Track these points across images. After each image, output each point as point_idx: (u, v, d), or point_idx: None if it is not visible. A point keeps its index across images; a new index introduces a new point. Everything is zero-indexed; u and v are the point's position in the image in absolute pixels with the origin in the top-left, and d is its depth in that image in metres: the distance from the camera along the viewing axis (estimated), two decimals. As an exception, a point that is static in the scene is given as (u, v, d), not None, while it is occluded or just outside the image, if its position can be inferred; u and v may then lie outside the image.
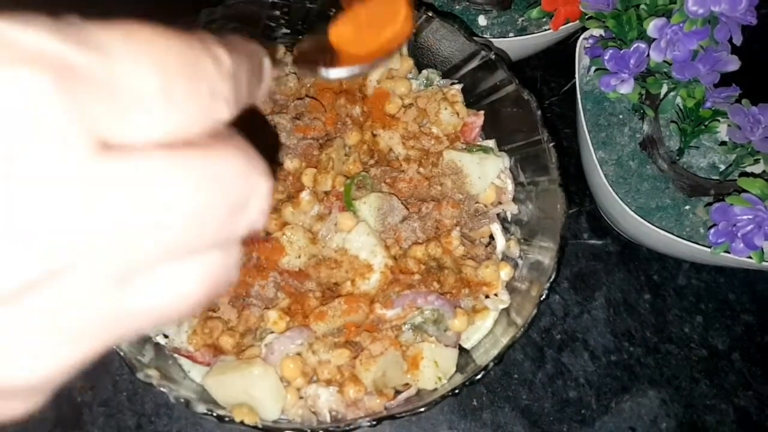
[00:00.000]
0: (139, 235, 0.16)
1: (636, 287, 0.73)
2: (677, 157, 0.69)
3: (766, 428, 0.69)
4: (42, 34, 0.15)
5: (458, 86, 0.68)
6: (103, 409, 0.63)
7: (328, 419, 0.55)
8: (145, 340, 0.58)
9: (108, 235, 0.16)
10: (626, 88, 0.65)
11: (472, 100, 0.69)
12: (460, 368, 0.58)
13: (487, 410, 0.66)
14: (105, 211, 0.15)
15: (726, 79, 0.64)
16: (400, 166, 0.65)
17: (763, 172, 0.65)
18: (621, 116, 0.71)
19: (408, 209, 0.62)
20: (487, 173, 0.65)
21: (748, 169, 0.67)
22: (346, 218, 0.60)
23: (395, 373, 0.57)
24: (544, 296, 0.56)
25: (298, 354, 0.56)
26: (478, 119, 0.67)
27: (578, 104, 0.68)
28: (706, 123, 0.66)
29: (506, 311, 0.61)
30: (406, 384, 0.58)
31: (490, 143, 0.68)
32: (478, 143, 0.68)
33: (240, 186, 0.18)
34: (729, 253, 0.60)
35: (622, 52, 0.64)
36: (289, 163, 0.62)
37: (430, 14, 0.66)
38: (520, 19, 0.75)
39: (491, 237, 0.65)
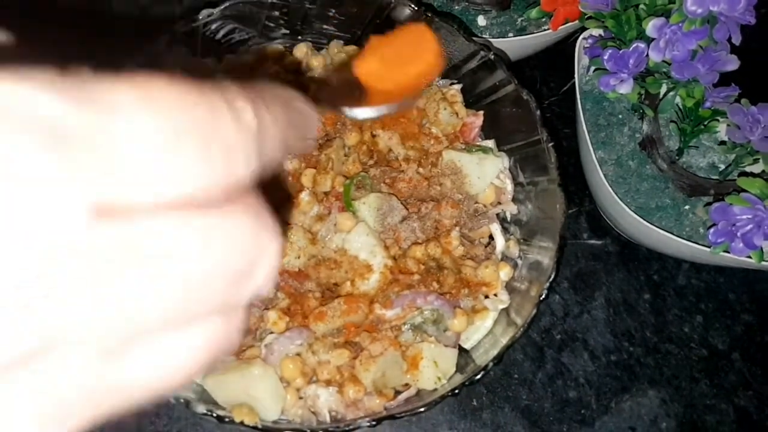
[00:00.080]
0: (135, 307, 0.15)
1: (636, 287, 0.73)
2: (677, 157, 0.69)
3: (766, 428, 0.69)
4: (40, 92, 0.14)
5: (457, 86, 0.68)
6: (102, 410, 0.63)
7: (328, 419, 0.55)
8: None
9: (101, 308, 0.15)
10: (625, 87, 0.65)
11: (471, 100, 0.69)
12: (459, 368, 0.58)
13: (487, 410, 0.66)
14: (99, 283, 0.15)
15: (725, 79, 0.64)
16: (400, 167, 0.65)
17: (763, 171, 0.65)
18: (620, 116, 0.71)
19: (407, 209, 0.62)
20: (487, 173, 0.65)
21: (748, 169, 0.67)
22: (345, 218, 0.60)
23: (395, 374, 0.57)
24: (543, 296, 0.56)
25: (298, 354, 0.56)
26: (477, 119, 0.67)
27: (577, 104, 0.68)
28: (706, 123, 0.66)
29: (506, 311, 0.61)
30: (406, 384, 0.58)
31: (490, 143, 0.68)
32: (478, 143, 0.68)
33: (248, 251, 0.18)
34: (728, 252, 0.60)
35: (621, 51, 0.64)
36: (289, 164, 0.62)
37: (429, 14, 0.66)
38: (520, 19, 0.75)
39: (491, 237, 0.65)
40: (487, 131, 0.69)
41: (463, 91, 0.68)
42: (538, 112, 0.62)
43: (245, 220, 0.18)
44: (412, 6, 0.66)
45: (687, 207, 0.68)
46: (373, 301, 0.58)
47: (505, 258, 0.65)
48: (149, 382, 0.17)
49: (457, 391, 0.53)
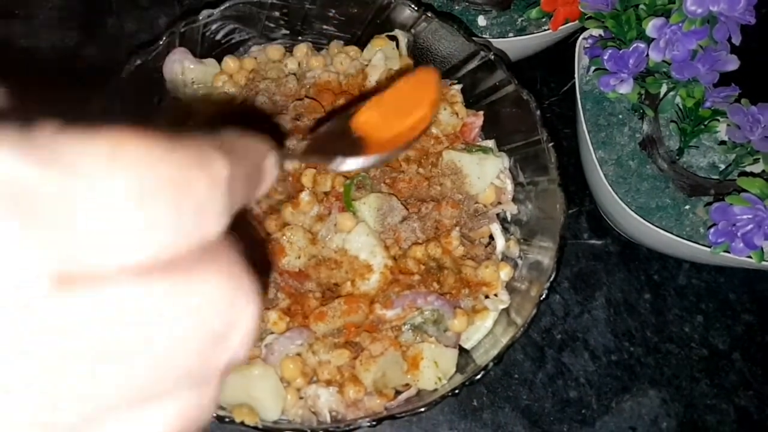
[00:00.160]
0: (100, 382, 0.14)
1: (636, 287, 0.73)
2: (677, 157, 0.69)
3: (766, 428, 0.69)
4: (1, 153, 0.13)
5: (458, 86, 0.68)
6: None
7: (328, 419, 0.55)
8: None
9: (62, 384, 0.14)
10: (626, 87, 0.65)
11: (471, 101, 0.69)
12: (460, 368, 0.58)
13: (488, 410, 0.66)
14: (60, 357, 0.14)
15: (725, 79, 0.64)
16: (400, 167, 0.65)
17: (763, 171, 0.65)
18: (620, 116, 0.71)
19: (407, 209, 0.62)
20: (487, 173, 0.65)
21: (748, 169, 0.67)
22: (345, 219, 0.60)
23: (395, 374, 0.57)
24: (543, 296, 0.56)
25: (298, 354, 0.56)
26: (477, 119, 0.67)
27: (578, 104, 0.68)
28: (706, 123, 0.66)
29: (506, 311, 0.61)
30: (406, 384, 0.58)
31: (490, 143, 0.68)
32: (478, 143, 0.68)
33: (222, 316, 0.17)
34: (729, 252, 0.60)
35: (621, 52, 0.64)
36: (289, 164, 0.62)
37: (429, 14, 0.66)
38: (520, 20, 0.75)
39: (491, 237, 0.65)
40: (487, 131, 0.69)
41: (463, 91, 0.68)
42: (539, 112, 0.62)
43: (218, 282, 0.17)
44: (413, 6, 0.66)
45: (687, 207, 0.68)
46: (374, 302, 0.58)
47: (505, 258, 0.65)
48: None
49: (457, 391, 0.53)
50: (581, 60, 0.71)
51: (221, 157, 0.18)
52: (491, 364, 0.54)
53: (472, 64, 0.67)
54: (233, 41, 0.70)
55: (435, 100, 0.42)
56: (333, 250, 0.60)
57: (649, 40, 0.63)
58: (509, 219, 0.67)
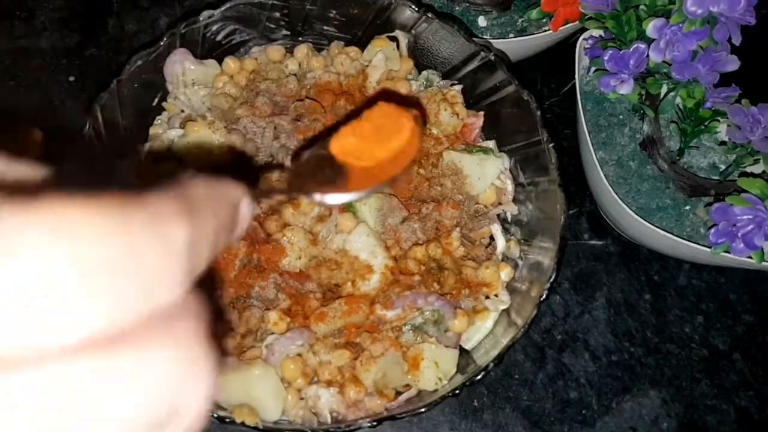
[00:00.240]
0: None
1: (636, 287, 0.73)
2: (677, 158, 0.69)
3: (767, 428, 0.69)
4: None
5: (458, 87, 0.68)
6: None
7: (329, 420, 0.55)
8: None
9: None
10: (626, 88, 0.65)
11: (471, 101, 0.69)
12: (460, 369, 0.58)
13: (488, 411, 0.66)
14: None
15: (725, 79, 0.64)
16: (400, 167, 0.65)
17: (763, 172, 0.65)
18: (621, 117, 0.71)
19: (408, 210, 0.62)
20: (487, 174, 0.65)
21: (748, 169, 0.67)
22: (346, 219, 0.60)
23: (396, 374, 0.57)
24: (544, 297, 0.56)
25: (299, 355, 0.56)
26: (477, 120, 0.68)
27: (578, 105, 0.68)
28: (706, 123, 0.66)
29: (506, 312, 0.61)
30: (407, 385, 0.58)
31: (490, 144, 0.68)
32: (478, 144, 0.68)
33: (173, 389, 0.16)
34: (729, 253, 0.60)
35: (621, 52, 0.64)
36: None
37: (430, 15, 0.66)
38: (520, 20, 0.76)
39: (491, 238, 0.65)
40: (487, 132, 0.69)
41: (463, 91, 0.68)
42: (539, 113, 0.62)
43: (167, 357, 0.16)
44: (413, 7, 0.66)
45: (688, 207, 0.68)
46: (374, 302, 0.58)
47: (505, 258, 0.65)
48: None
49: (457, 391, 0.53)
50: (581, 61, 0.71)
51: (180, 219, 0.17)
52: (492, 364, 0.54)
53: (473, 65, 0.67)
54: (234, 42, 0.70)
55: (414, 129, 0.41)
56: (333, 250, 0.60)
57: (649, 41, 0.63)
58: (510, 219, 0.67)
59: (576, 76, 0.69)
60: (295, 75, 0.68)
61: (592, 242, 0.75)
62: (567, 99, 0.81)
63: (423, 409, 0.53)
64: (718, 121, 0.67)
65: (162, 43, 0.63)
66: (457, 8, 0.76)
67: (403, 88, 0.67)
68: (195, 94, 0.66)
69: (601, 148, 0.69)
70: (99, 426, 0.15)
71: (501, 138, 0.68)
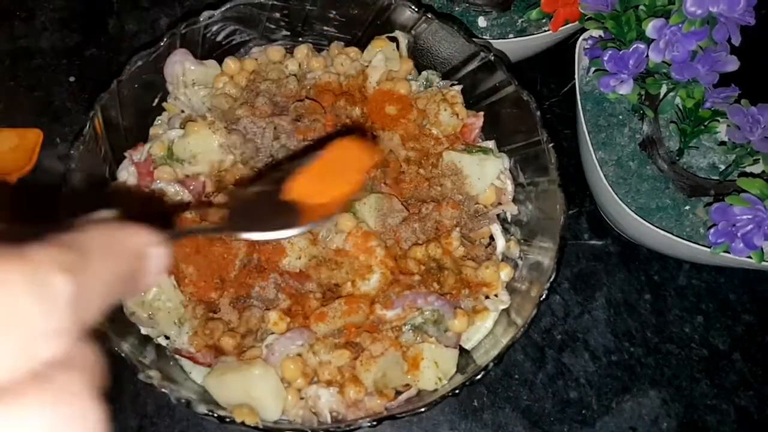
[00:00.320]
0: None
1: (636, 287, 0.73)
2: (677, 158, 0.69)
3: (767, 428, 0.69)
4: None
5: (458, 87, 0.68)
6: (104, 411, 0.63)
7: (329, 420, 0.55)
8: (146, 342, 0.58)
9: None
10: (626, 88, 0.65)
11: (471, 101, 0.69)
12: (460, 369, 0.58)
13: (488, 410, 0.66)
14: None
15: (725, 80, 0.64)
16: (400, 167, 0.65)
17: (763, 172, 0.65)
18: (621, 117, 0.71)
19: (408, 210, 0.62)
20: (487, 174, 0.65)
21: (748, 169, 0.67)
22: (346, 219, 0.60)
23: (395, 374, 0.57)
24: (544, 296, 0.56)
25: (299, 355, 0.56)
26: (477, 120, 0.68)
27: (578, 105, 0.68)
28: (706, 123, 0.66)
29: (506, 312, 0.61)
30: (407, 384, 0.58)
31: (490, 144, 0.68)
32: (478, 144, 0.68)
33: None
34: (729, 253, 0.60)
35: (621, 52, 0.64)
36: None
37: (430, 16, 0.66)
38: (520, 21, 0.76)
39: (491, 238, 0.65)
40: (487, 132, 0.69)
41: (463, 92, 0.68)
42: (539, 113, 0.62)
43: (45, 410, 0.16)
44: (413, 7, 0.66)
45: (687, 207, 0.68)
46: (374, 302, 0.58)
47: (505, 258, 0.65)
48: None
49: (457, 391, 0.53)
50: (581, 61, 0.71)
51: (64, 273, 0.17)
52: (491, 364, 0.54)
53: (473, 65, 0.67)
54: (234, 42, 0.70)
55: (367, 161, 0.42)
56: (333, 250, 0.60)
57: (649, 41, 0.63)
58: (509, 219, 0.67)
59: (576, 76, 0.69)
60: (295, 75, 0.68)
61: (592, 242, 0.75)
62: (567, 99, 0.81)
63: (423, 409, 0.53)
64: (718, 121, 0.67)
65: (162, 44, 0.63)
66: (456, 8, 0.76)
67: (402, 89, 0.67)
68: (195, 95, 0.66)
69: (600, 148, 0.69)
70: None
71: (501, 138, 0.68)
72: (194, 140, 0.62)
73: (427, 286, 0.59)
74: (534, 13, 0.73)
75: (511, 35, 0.74)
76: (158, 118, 0.68)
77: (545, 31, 0.72)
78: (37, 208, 0.64)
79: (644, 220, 0.64)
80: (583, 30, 0.70)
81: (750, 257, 0.60)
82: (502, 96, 0.66)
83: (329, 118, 0.65)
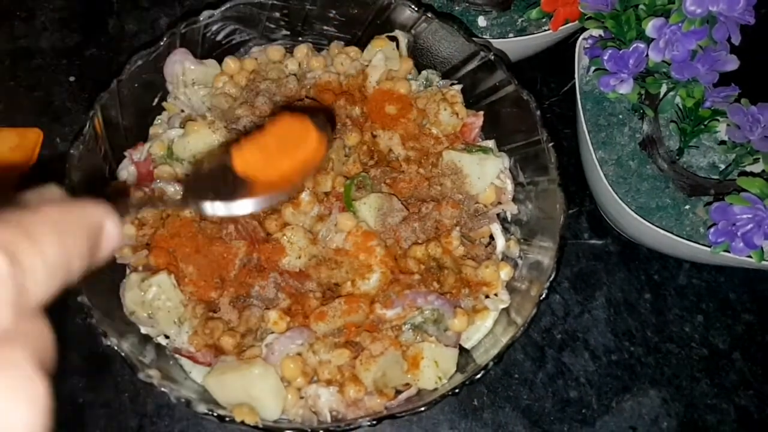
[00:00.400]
0: None
1: (636, 287, 0.73)
2: (677, 157, 0.69)
3: (766, 427, 0.69)
4: None
5: (458, 87, 0.68)
6: (104, 411, 0.63)
7: (329, 419, 0.55)
8: (146, 341, 0.58)
9: None
10: (625, 88, 0.65)
11: (471, 101, 0.69)
12: (460, 368, 0.58)
13: (488, 410, 0.66)
14: None
15: (725, 79, 0.64)
16: (400, 167, 0.65)
17: (763, 171, 0.65)
18: (620, 116, 0.71)
19: (408, 209, 0.62)
20: (487, 173, 0.65)
21: (748, 169, 0.67)
22: (346, 219, 0.60)
23: (395, 373, 0.57)
24: (543, 296, 0.56)
25: (299, 354, 0.56)
26: (477, 120, 0.68)
27: (578, 104, 0.68)
28: (706, 122, 0.66)
29: (506, 311, 0.61)
30: (407, 384, 0.58)
31: (490, 143, 0.68)
32: (478, 144, 0.68)
33: None
34: (729, 252, 0.60)
35: (621, 52, 0.64)
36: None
37: (430, 15, 0.66)
38: (520, 20, 0.76)
39: (491, 237, 0.65)
40: (487, 131, 0.69)
41: (463, 91, 0.68)
42: (539, 113, 0.62)
43: None
44: (413, 7, 0.66)
45: (687, 207, 0.68)
46: (374, 301, 0.58)
47: (505, 258, 0.65)
48: None
49: (457, 390, 0.53)
50: (581, 60, 0.71)
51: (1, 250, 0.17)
52: (491, 363, 0.54)
53: (472, 65, 0.67)
54: (234, 42, 0.70)
55: (318, 137, 0.41)
56: (333, 250, 0.60)
57: (648, 41, 0.63)
58: (509, 219, 0.67)
59: (576, 75, 0.69)
60: (295, 75, 0.68)
61: (592, 242, 0.75)
62: (567, 99, 0.81)
63: (423, 408, 0.53)
64: (718, 120, 0.67)
65: (162, 43, 0.63)
66: (456, 8, 0.76)
67: (402, 88, 0.67)
68: (195, 94, 0.66)
69: (600, 147, 0.69)
70: None
71: (501, 137, 0.68)
72: (194, 140, 0.62)
73: (427, 285, 0.59)
74: (534, 13, 0.73)
75: (511, 35, 0.74)
76: (158, 117, 0.68)
77: (545, 30, 0.72)
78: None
79: (644, 219, 0.64)
80: (583, 29, 0.70)
81: (750, 256, 0.60)
82: (502, 95, 0.66)
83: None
